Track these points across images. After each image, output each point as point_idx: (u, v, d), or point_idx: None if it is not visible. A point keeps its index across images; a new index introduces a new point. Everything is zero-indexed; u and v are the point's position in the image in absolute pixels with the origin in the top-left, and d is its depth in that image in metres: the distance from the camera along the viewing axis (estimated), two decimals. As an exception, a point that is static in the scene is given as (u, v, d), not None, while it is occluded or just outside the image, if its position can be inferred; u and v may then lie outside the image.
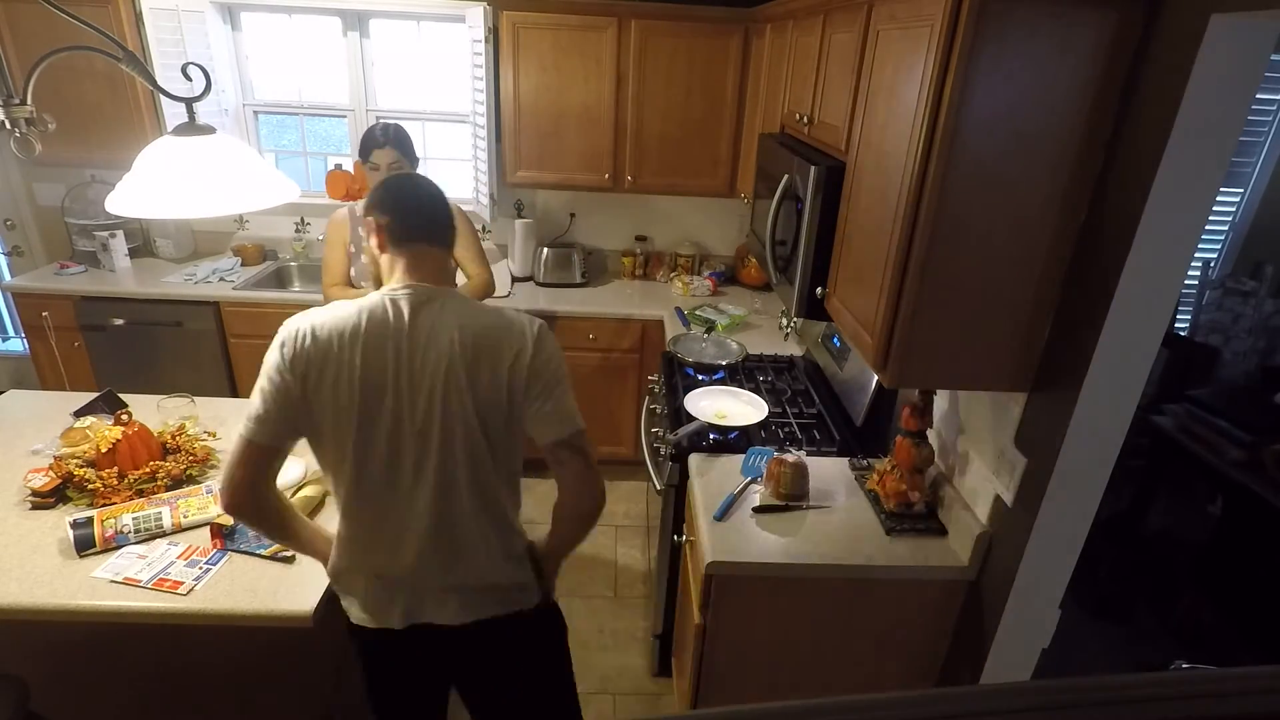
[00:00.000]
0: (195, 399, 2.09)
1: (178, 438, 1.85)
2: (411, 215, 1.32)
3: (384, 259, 1.33)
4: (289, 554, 1.53)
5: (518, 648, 1.43)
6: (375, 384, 1.21)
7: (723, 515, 1.73)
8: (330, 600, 1.46)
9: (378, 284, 1.37)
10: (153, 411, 2.00)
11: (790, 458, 1.79)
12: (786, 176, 1.84)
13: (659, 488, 2.12)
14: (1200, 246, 2.90)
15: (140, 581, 1.45)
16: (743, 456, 1.93)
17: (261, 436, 1.21)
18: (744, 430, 2.12)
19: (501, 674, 1.47)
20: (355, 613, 1.35)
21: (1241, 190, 3.55)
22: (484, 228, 3.57)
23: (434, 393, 1.22)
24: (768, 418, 2.15)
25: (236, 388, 3.21)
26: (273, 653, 1.78)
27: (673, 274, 3.55)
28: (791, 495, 1.77)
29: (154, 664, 1.80)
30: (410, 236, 1.31)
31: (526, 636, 1.43)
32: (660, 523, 2.18)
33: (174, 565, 1.50)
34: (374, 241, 1.33)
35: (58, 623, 1.44)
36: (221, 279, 3.18)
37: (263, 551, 1.53)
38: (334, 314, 1.24)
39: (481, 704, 1.54)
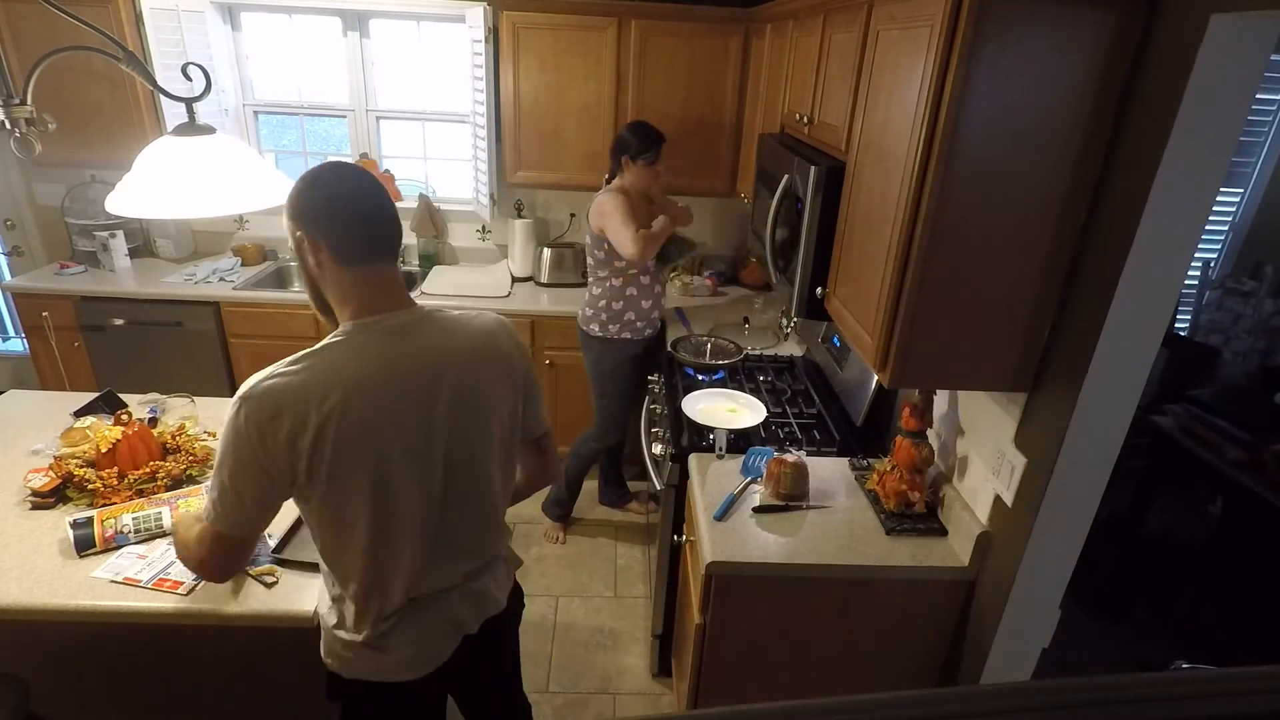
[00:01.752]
0: (195, 399, 2.09)
1: (178, 438, 1.85)
2: (356, 228, 1.10)
3: (330, 283, 1.13)
4: (274, 579, 1.50)
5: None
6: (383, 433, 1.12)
7: (723, 515, 1.73)
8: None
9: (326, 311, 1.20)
10: (146, 413, 2.00)
11: (790, 458, 1.79)
12: (786, 176, 1.84)
13: (659, 488, 2.12)
14: (1200, 246, 2.90)
15: (140, 581, 1.45)
16: (743, 457, 1.93)
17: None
18: (743, 431, 2.12)
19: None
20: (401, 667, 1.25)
21: (1241, 190, 3.55)
22: (484, 227, 3.57)
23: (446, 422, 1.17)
24: (768, 418, 2.15)
25: (236, 388, 3.20)
26: (273, 653, 1.78)
27: (673, 274, 3.55)
28: (791, 495, 1.77)
29: (154, 664, 1.80)
30: (360, 255, 1.11)
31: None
32: (660, 522, 2.18)
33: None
34: (312, 262, 1.12)
35: (58, 623, 1.43)
36: (221, 279, 3.18)
37: (251, 570, 1.49)
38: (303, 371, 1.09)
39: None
